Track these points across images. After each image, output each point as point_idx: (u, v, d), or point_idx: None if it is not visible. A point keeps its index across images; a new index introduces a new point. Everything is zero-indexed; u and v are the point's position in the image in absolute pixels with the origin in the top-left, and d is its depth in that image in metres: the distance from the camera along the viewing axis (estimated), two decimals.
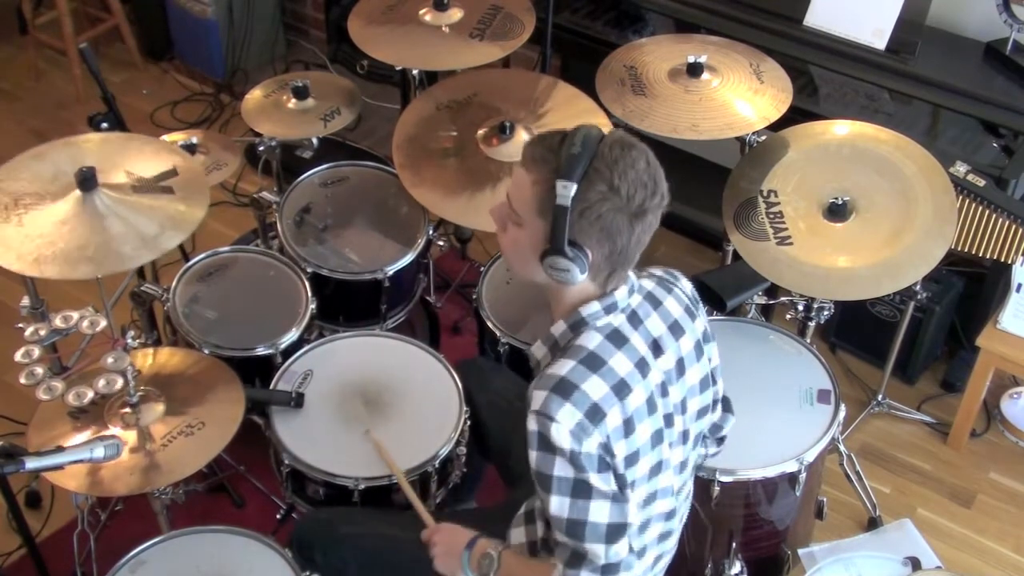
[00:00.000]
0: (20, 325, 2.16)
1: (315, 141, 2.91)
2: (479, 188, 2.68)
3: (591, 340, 1.70)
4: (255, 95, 3.00)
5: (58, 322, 2.13)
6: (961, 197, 2.62)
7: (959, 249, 2.70)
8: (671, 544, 1.94)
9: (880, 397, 3.14)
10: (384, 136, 3.76)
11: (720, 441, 2.06)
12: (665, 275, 1.86)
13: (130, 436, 2.16)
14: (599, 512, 1.66)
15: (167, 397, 2.24)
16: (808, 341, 2.69)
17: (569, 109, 2.83)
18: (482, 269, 2.81)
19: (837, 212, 2.49)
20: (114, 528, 2.64)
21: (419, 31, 2.98)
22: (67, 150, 2.42)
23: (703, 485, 2.30)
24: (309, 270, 2.74)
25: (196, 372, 2.33)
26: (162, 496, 2.26)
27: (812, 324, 2.77)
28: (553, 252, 1.65)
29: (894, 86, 2.99)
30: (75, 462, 1.95)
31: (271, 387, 2.45)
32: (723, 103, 2.68)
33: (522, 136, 2.73)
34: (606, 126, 2.63)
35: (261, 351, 2.58)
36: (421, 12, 3.01)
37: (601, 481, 1.65)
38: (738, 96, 2.71)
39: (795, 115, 2.76)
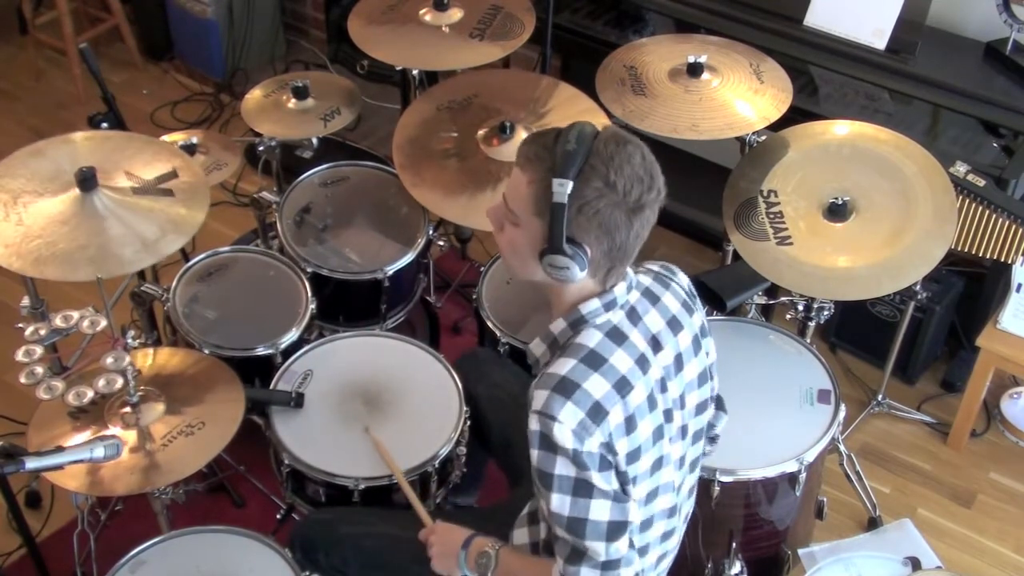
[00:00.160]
0: (20, 325, 2.16)
1: (315, 141, 2.91)
2: (479, 188, 2.68)
3: (591, 338, 1.70)
4: (255, 95, 3.00)
5: (58, 322, 2.13)
6: (961, 197, 2.62)
7: (959, 249, 2.70)
8: (674, 543, 1.94)
9: (880, 397, 3.14)
10: (384, 136, 3.76)
11: (713, 440, 2.05)
12: (662, 270, 1.86)
13: (130, 436, 2.16)
14: (600, 510, 1.66)
15: (167, 397, 2.24)
16: (808, 341, 2.69)
17: (569, 109, 2.83)
18: (482, 269, 2.81)
19: (837, 212, 2.49)
20: (114, 528, 2.64)
21: (419, 31, 2.98)
22: (66, 148, 2.42)
23: (703, 485, 2.30)
24: (309, 270, 2.74)
25: (196, 372, 2.33)
26: (162, 496, 2.26)
27: (812, 324, 2.77)
28: (552, 251, 1.65)
29: (894, 86, 2.99)
30: (75, 462, 1.95)
31: (271, 387, 2.45)
32: (723, 103, 2.68)
33: (522, 136, 2.73)
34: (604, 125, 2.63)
35: (261, 351, 2.58)
36: (421, 12, 3.01)
37: (603, 480, 1.65)
38: (738, 96, 2.71)
39: (795, 115, 2.76)
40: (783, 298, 2.88)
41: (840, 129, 2.70)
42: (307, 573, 2.11)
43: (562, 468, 1.64)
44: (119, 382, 2.10)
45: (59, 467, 1.95)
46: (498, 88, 2.92)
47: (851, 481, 2.85)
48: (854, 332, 3.26)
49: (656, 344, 1.75)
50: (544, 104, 2.86)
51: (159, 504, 2.29)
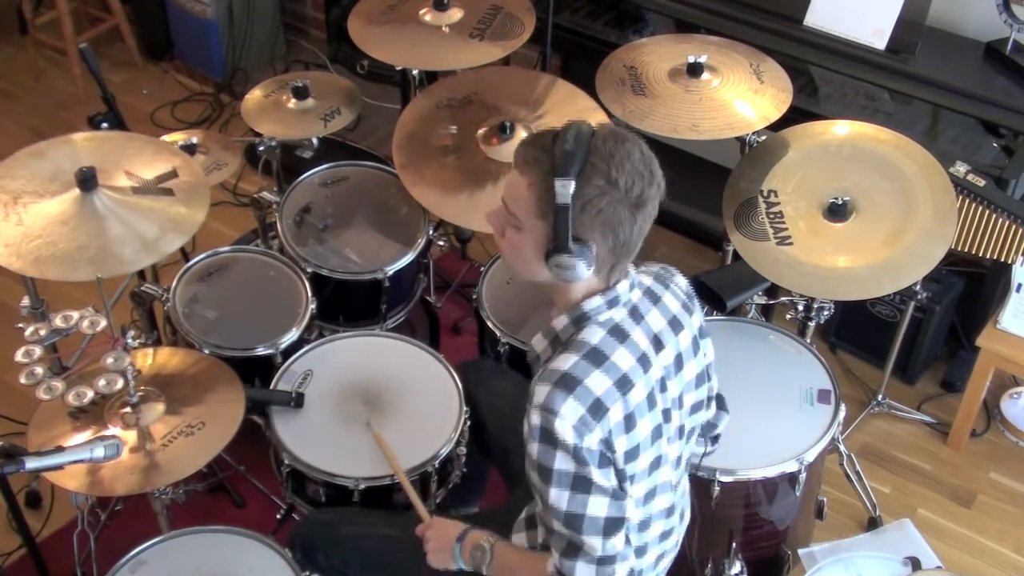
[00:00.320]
0: (20, 325, 2.16)
1: (315, 141, 2.91)
2: (479, 188, 2.68)
3: (593, 335, 1.70)
4: (255, 95, 3.00)
5: (58, 322, 2.13)
6: (961, 197, 2.62)
7: (959, 249, 2.70)
8: (672, 543, 1.94)
9: (880, 397, 3.14)
10: (384, 136, 3.76)
11: (714, 440, 2.05)
12: (661, 271, 1.87)
13: (130, 436, 2.16)
14: (597, 506, 1.66)
15: (167, 397, 2.24)
16: (808, 341, 2.69)
17: (569, 108, 2.83)
18: (482, 269, 2.81)
19: (837, 212, 2.49)
20: (114, 528, 2.64)
21: (419, 31, 2.97)
22: (66, 148, 2.42)
23: (703, 485, 2.30)
24: (309, 270, 2.74)
25: (196, 372, 2.33)
26: (162, 496, 2.26)
27: (812, 324, 2.77)
28: (558, 251, 1.65)
29: (894, 86, 2.99)
30: (75, 462, 1.95)
31: (271, 387, 2.45)
32: (723, 103, 2.68)
33: (522, 136, 2.73)
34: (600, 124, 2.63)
35: (261, 351, 2.58)
36: (421, 12, 3.01)
37: (602, 476, 1.66)
38: (738, 96, 2.70)
39: (795, 115, 2.76)
40: (783, 298, 2.88)
41: (840, 129, 2.70)
42: (307, 573, 2.11)
43: (561, 463, 1.64)
44: (119, 382, 2.10)
45: (59, 467, 1.95)
46: (498, 87, 2.92)
47: (851, 481, 2.85)
48: (854, 332, 3.26)
49: (658, 343, 1.76)
50: (544, 103, 2.86)
51: (159, 504, 2.29)
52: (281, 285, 2.74)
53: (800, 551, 2.64)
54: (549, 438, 1.64)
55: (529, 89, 2.91)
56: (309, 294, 2.69)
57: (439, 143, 2.77)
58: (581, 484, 1.65)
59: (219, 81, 4.27)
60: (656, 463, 1.77)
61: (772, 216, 2.53)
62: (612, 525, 1.68)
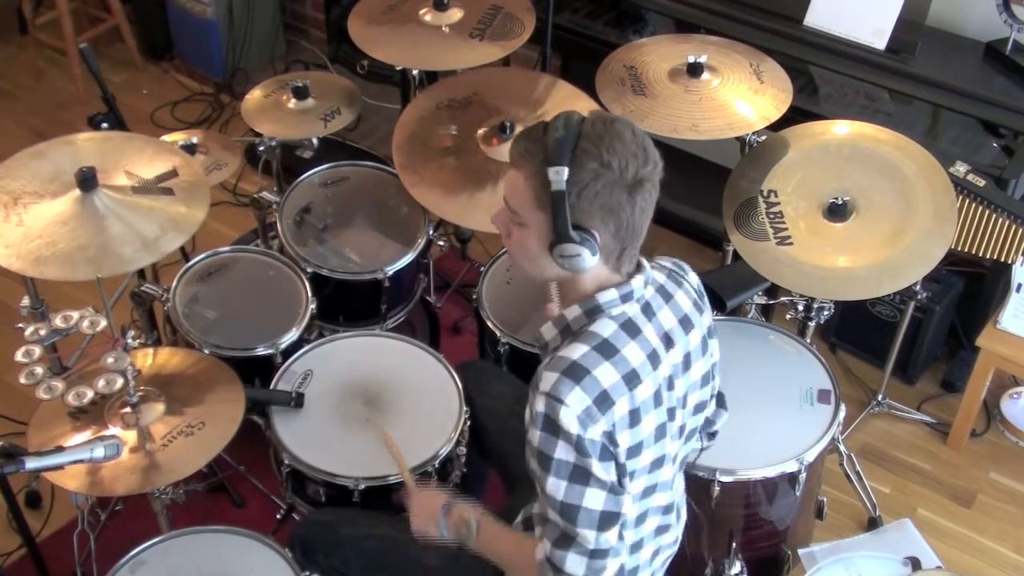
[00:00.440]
0: (20, 325, 2.16)
1: (315, 141, 2.91)
2: (479, 188, 2.68)
3: (605, 328, 1.70)
4: (255, 95, 3.00)
5: (58, 322, 2.13)
6: (961, 197, 2.62)
7: (959, 249, 2.70)
8: (670, 539, 1.94)
9: (880, 397, 3.14)
10: (384, 136, 3.76)
11: (712, 436, 2.05)
12: (675, 268, 1.87)
13: (130, 436, 2.16)
14: (594, 499, 1.66)
15: (167, 397, 2.24)
16: (808, 341, 2.69)
17: (569, 108, 2.81)
18: (482, 269, 2.81)
19: (837, 212, 2.49)
20: (114, 528, 2.64)
21: (419, 31, 2.97)
22: (67, 149, 2.42)
23: (703, 485, 2.30)
24: (309, 270, 2.74)
25: (196, 372, 2.33)
26: (162, 496, 2.26)
27: (812, 324, 2.77)
28: (560, 240, 1.65)
29: (894, 86, 2.99)
30: (75, 462, 1.95)
31: (271, 387, 2.45)
32: (723, 103, 2.68)
33: None
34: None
35: (261, 351, 2.58)
36: (421, 12, 3.01)
37: (602, 469, 1.65)
38: (738, 96, 2.70)
39: (795, 115, 2.76)
40: (783, 298, 2.88)
41: (840, 129, 2.70)
42: (307, 574, 2.11)
43: (562, 452, 1.64)
44: (119, 382, 2.10)
45: (59, 467, 1.95)
46: (498, 87, 2.92)
47: (851, 481, 2.85)
48: (854, 332, 3.26)
49: (668, 341, 1.75)
50: (544, 103, 2.86)
51: (159, 504, 2.29)
52: (281, 285, 2.74)
53: (800, 551, 2.64)
54: (552, 426, 1.63)
55: (529, 89, 2.91)
56: (309, 294, 2.69)
57: (439, 144, 2.77)
58: (580, 475, 1.65)
59: (219, 81, 4.27)
60: (659, 462, 1.77)
61: (772, 216, 2.53)
62: (607, 519, 1.67)
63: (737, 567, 2.44)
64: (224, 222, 3.58)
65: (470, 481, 2.47)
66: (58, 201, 2.29)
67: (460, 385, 2.44)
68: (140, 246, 2.25)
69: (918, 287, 2.82)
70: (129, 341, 2.12)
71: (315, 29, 4.51)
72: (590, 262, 1.67)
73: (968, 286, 3.15)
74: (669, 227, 3.51)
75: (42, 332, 2.12)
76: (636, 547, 1.83)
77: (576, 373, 1.64)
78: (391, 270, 2.76)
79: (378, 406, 2.42)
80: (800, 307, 2.76)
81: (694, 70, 2.72)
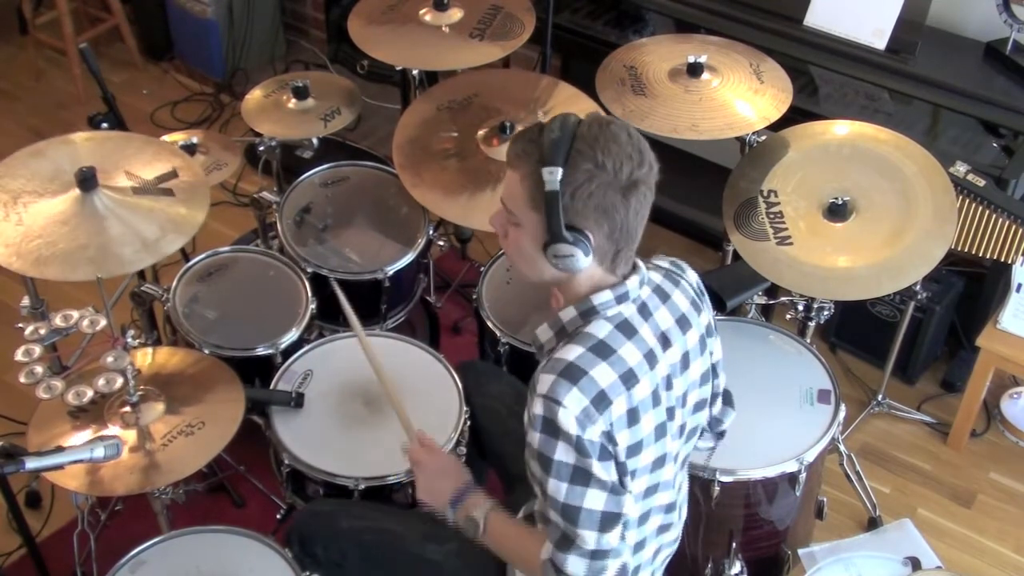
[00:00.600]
0: (20, 325, 2.16)
1: (315, 141, 2.91)
2: (479, 188, 2.68)
3: (601, 329, 1.70)
4: (255, 95, 3.00)
5: (58, 321, 2.13)
6: (961, 197, 2.62)
7: (959, 249, 2.70)
8: (671, 537, 1.94)
9: (880, 397, 3.14)
10: (384, 136, 3.76)
11: (720, 436, 2.05)
12: (672, 267, 1.87)
13: (130, 436, 2.16)
14: (595, 500, 1.66)
15: (167, 397, 2.24)
16: (808, 341, 2.69)
17: (569, 109, 2.81)
18: (482, 269, 2.81)
19: (837, 212, 2.49)
20: (114, 528, 2.64)
21: (419, 31, 2.97)
22: (66, 148, 2.42)
23: (703, 485, 2.30)
24: (309, 270, 2.74)
25: (196, 372, 2.33)
26: (162, 496, 2.26)
27: (812, 324, 2.77)
28: (554, 240, 1.65)
29: (894, 86, 2.99)
30: (75, 462, 1.95)
31: (271, 387, 2.45)
32: (723, 103, 2.68)
33: None
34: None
35: (261, 351, 2.58)
36: (421, 12, 3.01)
37: (602, 470, 1.65)
38: (738, 96, 2.70)
39: (795, 115, 2.76)
40: (783, 298, 2.88)
41: (840, 129, 2.70)
42: (307, 573, 2.11)
43: (562, 454, 1.64)
44: (119, 382, 2.10)
45: (59, 467, 1.95)
46: (498, 88, 2.92)
47: (851, 481, 2.85)
48: (854, 332, 3.26)
49: (665, 341, 1.75)
50: (544, 104, 2.86)
51: (159, 504, 2.29)
52: (281, 285, 2.74)
53: (800, 551, 2.64)
54: (551, 428, 1.63)
55: (529, 90, 2.91)
56: (309, 294, 2.69)
57: (440, 146, 2.77)
58: (580, 476, 1.65)
59: (219, 81, 4.27)
60: (660, 461, 1.77)
61: (772, 216, 2.53)
62: (608, 520, 1.68)
63: (737, 567, 2.44)
64: (224, 222, 3.58)
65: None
66: (58, 200, 2.29)
67: (460, 385, 2.44)
68: (140, 247, 2.25)
69: (918, 287, 2.82)
70: (129, 341, 2.12)
71: (315, 29, 4.51)
72: (584, 263, 1.67)
73: (968, 286, 3.15)
74: (669, 227, 3.51)
75: (42, 331, 2.12)
76: (639, 546, 1.83)
77: (573, 374, 1.64)
78: (391, 270, 2.76)
79: (378, 406, 2.42)
80: (800, 307, 2.76)
81: (694, 70, 2.72)
